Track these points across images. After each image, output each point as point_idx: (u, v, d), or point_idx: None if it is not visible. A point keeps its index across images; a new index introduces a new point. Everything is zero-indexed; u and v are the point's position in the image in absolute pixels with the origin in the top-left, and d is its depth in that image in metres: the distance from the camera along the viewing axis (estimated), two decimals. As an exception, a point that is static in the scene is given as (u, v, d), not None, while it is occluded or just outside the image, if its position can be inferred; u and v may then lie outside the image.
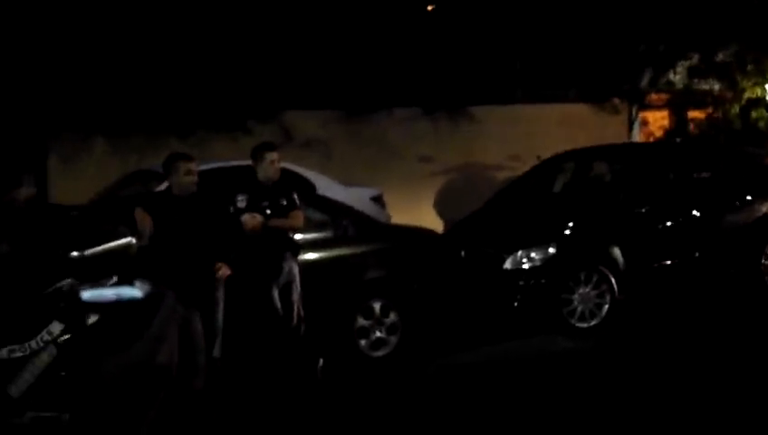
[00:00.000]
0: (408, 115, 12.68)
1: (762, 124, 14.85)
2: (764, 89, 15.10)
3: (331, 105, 12.09)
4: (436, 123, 12.88)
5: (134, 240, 5.83)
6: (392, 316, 7.08)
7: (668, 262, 8.38)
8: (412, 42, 12.47)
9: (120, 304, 0.87)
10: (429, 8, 13.49)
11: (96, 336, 1.75)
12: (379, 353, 7.03)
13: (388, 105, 12.52)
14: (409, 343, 7.09)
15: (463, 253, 8.23)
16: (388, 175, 11.58)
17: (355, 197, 8.89)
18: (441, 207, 12.52)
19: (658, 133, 15.24)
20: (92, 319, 1.36)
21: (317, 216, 7.13)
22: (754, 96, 14.94)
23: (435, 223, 11.49)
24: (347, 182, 9.54)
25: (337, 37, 11.78)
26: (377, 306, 7.05)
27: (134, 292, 0.87)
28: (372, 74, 12.13)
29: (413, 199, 11.86)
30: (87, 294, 0.82)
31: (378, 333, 7.05)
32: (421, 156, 12.69)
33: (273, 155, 6.33)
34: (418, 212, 11.48)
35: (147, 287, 0.90)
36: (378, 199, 9.67)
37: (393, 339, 7.08)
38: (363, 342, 7.00)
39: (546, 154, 10.41)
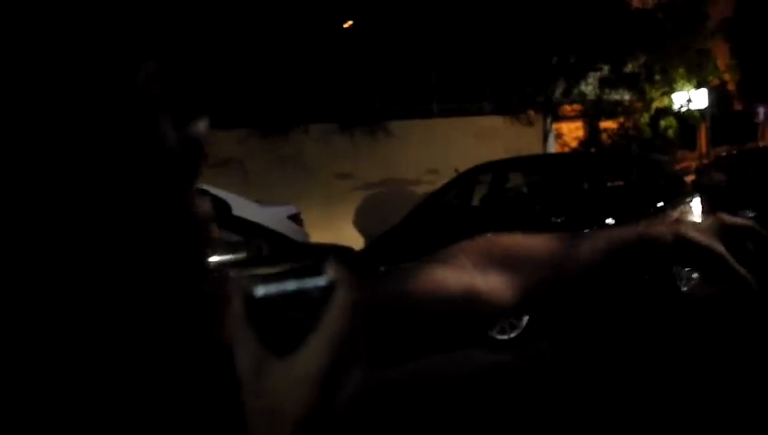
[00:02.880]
0: (324, 131, 12.60)
1: (671, 133, 15.31)
2: (671, 99, 15.59)
3: (246, 123, 11.92)
4: (354, 139, 12.85)
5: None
6: (310, 337, 6.91)
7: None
8: (327, 58, 12.42)
9: (297, 295, 0.58)
10: (346, 25, 13.47)
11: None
12: (299, 376, 6.84)
13: (305, 122, 12.43)
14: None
15: (382, 269, 8.14)
16: (306, 192, 11.45)
17: (271, 216, 8.71)
18: (360, 223, 12.45)
19: (573, 144, 15.56)
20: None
21: (231, 237, 6.94)
22: (663, 106, 15.40)
23: (354, 240, 11.40)
24: (264, 201, 9.37)
25: (251, 54, 11.63)
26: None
27: (318, 280, 0.58)
28: (288, 91, 12.02)
29: (332, 216, 11.76)
30: (262, 290, 0.57)
31: (296, 355, 6.86)
32: (339, 172, 12.62)
33: None
34: (338, 229, 11.38)
35: (338, 274, 0.59)
36: (295, 218, 9.51)
37: (312, 360, 6.90)
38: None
39: (464, 167, 10.46)
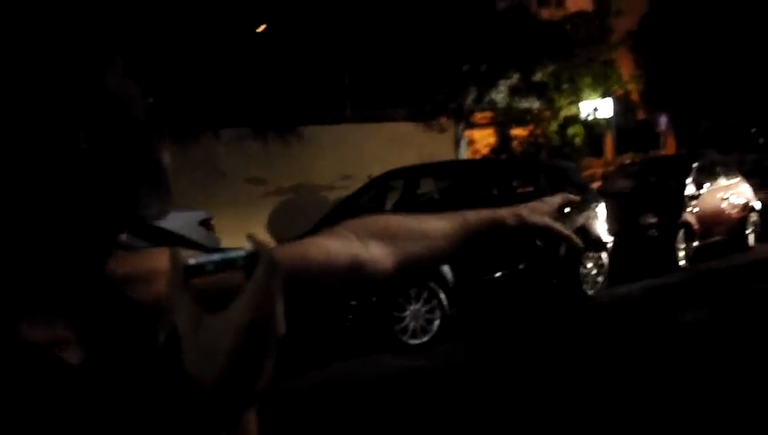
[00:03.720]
0: (236, 136, 12.46)
1: (578, 140, 15.74)
2: (578, 107, 16.02)
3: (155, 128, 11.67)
4: (267, 144, 12.74)
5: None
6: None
7: (496, 275, 8.61)
8: (240, 61, 12.29)
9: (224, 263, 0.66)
10: (260, 29, 13.36)
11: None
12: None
13: (216, 126, 12.26)
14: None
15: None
16: (217, 197, 11.30)
17: (182, 221, 8.57)
18: (273, 228, 12.36)
19: (485, 151, 15.82)
20: None
21: (139, 243, 6.77)
22: (570, 114, 15.82)
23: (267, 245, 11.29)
24: (174, 206, 9.18)
25: (160, 57, 11.40)
26: (204, 334, 6.74)
27: (239, 252, 0.66)
28: (198, 95, 11.84)
29: (244, 222, 11.62)
30: (193, 260, 0.63)
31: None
32: (251, 177, 12.50)
33: None
34: (250, 235, 11.25)
35: (258, 245, 0.67)
36: (206, 223, 9.39)
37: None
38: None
39: (377, 173, 10.50)
